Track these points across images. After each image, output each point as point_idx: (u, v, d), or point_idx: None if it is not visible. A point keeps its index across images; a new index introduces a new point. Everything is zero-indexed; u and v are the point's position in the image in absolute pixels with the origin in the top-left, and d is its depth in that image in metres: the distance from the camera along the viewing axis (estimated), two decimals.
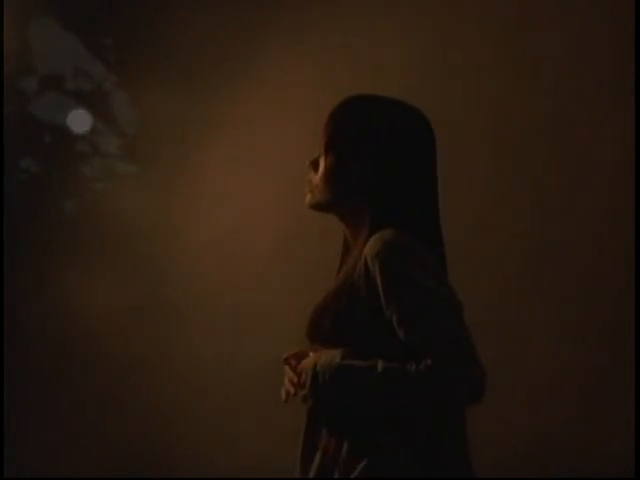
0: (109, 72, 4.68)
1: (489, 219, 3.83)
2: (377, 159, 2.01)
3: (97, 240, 4.61)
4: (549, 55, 3.80)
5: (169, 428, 4.42)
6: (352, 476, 1.90)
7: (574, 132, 3.73)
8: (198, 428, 4.36)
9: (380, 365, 1.85)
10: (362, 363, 1.87)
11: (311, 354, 2.02)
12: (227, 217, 4.42)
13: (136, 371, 4.49)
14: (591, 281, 3.65)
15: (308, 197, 2.12)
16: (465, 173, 3.86)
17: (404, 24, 4.11)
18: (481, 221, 3.83)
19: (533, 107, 3.81)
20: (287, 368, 2.07)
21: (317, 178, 2.10)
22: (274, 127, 4.34)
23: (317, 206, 2.12)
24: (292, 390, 2.03)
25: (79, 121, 4.70)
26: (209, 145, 4.50)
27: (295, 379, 2.02)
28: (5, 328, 4.62)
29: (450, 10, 4.01)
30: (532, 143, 3.81)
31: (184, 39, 4.56)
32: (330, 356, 1.92)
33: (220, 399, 4.33)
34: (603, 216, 3.65)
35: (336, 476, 1.93)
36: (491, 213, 3.83)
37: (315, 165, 2.12)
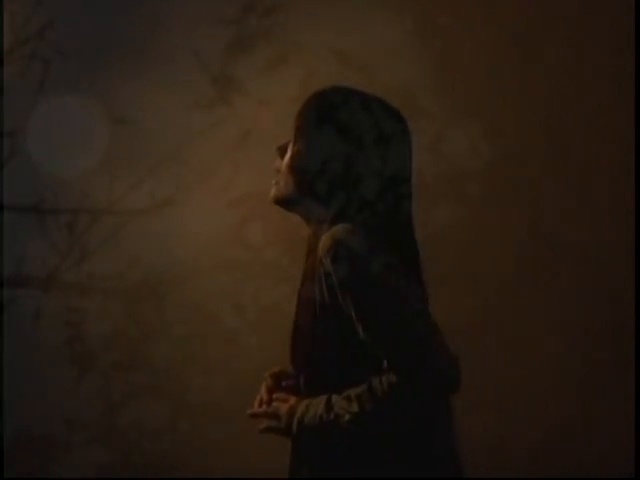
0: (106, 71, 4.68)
1: (488, 219, 3.82)
2: (342, 152, 1.96)
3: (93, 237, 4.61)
4: (549, 56, 3.80)
5: (171, 426, 4.42)
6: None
7: (574, 131, 3.73)
8: (200, 428, 4.36)
9: (355, 404, 1.83)
10: (342, 404, 1.84)
11: (292, 399, 1.97)
12: (229, 217, 4.42)
13: (137, 370, 4.48)
14: (591, 281, 3.64)
15: (272, 190, 2.09)
16: (462, 172, 3.85)
17: (395, 22, 4.10)
18: (480, 221, 3.82)
19: (531, 106, 3.81)
20: (264, 385, 2.03)
21: (282, 164, 2.07)
22: (268, 128, 4.34)
23: (281, 200, 2.08)
24: (256, 407, 2.01)
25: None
26: (207, 145, 4.50)
27: (265, 399, 2.00)
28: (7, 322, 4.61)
29: (446, 10, 4.01)
30: (531, 143, 3.80)
31: (172, 40, 4.55)
32: (314, 410, 1.89)
33: (221, 398, 4.33)
34: (603, 216, 3.65)
35: None
36: (490, 212, 3.82)
37: (283, 151, 2.08)
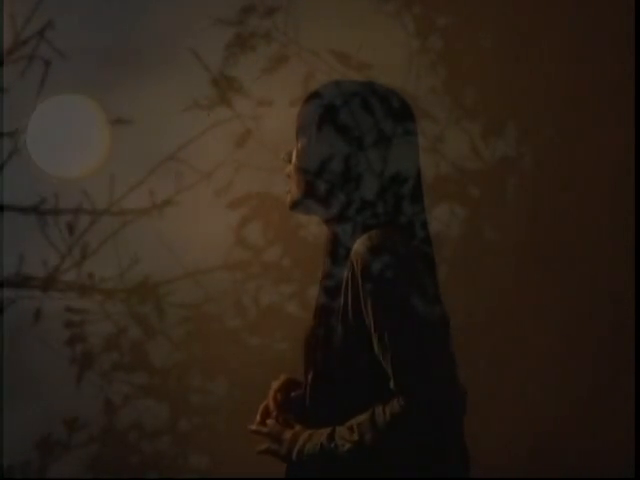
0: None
1: (488, 219, 3.83)
2: (351, 147, 1.90)
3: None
4: (549, 55, 3.80)
5: (171, 426, 4.43)
6: None
7: (574, 131, 3.73)
8: (200, 428, 4.37)
9: (355, 434, 1.77)
10: (343, 434, 1.80)
11: (297, 428, 1.92)
12: (229, 217, 4.42)
13: (137, 370, 4.49)
14: (591, 281, 3.65)
15: (288, 198, 1.98)
16: (462, 172, 3.86)
17: (395, 22, 4.11)
18: (480, 221, 3.83)
19: (531, 106, 3.81)
20: (272, 397, 1.98)
21: (291, 168, 1.96)
22: (268, 128, 4.34)
23: (295, 205, 1.99)
24: (258, 418, 1.97)
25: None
26: (210, 143, 4.50)
27: (273, 414, 1.95)
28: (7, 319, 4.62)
29: (446, 10, 4.01)
30: (531, 143, 3.80)
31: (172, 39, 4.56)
32: (317, 439, 1.84)
33: (221, 398, 4.33)
34: (603, 216, 3.65)
35: None
36: (490, 212, 3.83)
37: (290, 156, 2.01)
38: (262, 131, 4.41)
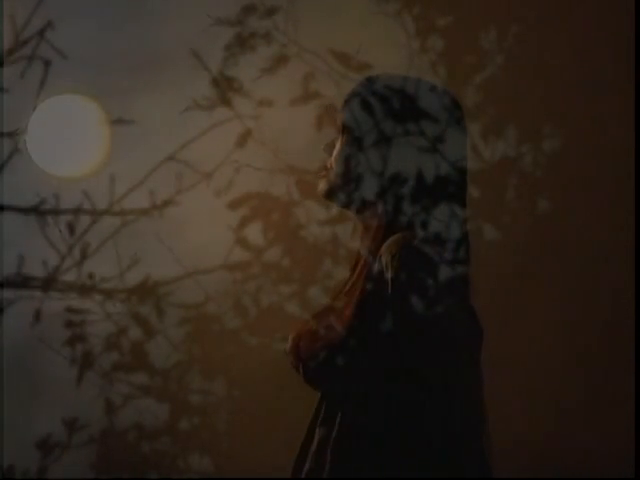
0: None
1: (488, 219, 3.83)
2: (395, 143, 1.85)
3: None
4: (549, 56, 3.80)
5: (171, 426, 4.43)
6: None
7: (574, 131, 3.73)
8: (200, 428, 4.37)
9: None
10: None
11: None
12: (229, 217, 4.43)
13: (137, 370, 4.49)
14: (591, 281, 3.65)
15: (321, 184, 1.89)
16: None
17: (395, 22, 4.11)
18: (481, 221, 3.83)
19: (531, 106, 3.81)
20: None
21: (332, 160, 1.88)
22: (268, 128, 4.34)
23: (328, 193, 1.94)
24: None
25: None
26: (212, 142, 4.50)
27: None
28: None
29: (446, 10, 4.01)
30: (531, 143, 3.80)
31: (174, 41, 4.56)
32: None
33: (221, 398, 4.33)
34: (603, 216, 3.65)
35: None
36: (490, 212, 3.82)
37: (331, 148, 1.91)
38: (262, 131, 4.41)
